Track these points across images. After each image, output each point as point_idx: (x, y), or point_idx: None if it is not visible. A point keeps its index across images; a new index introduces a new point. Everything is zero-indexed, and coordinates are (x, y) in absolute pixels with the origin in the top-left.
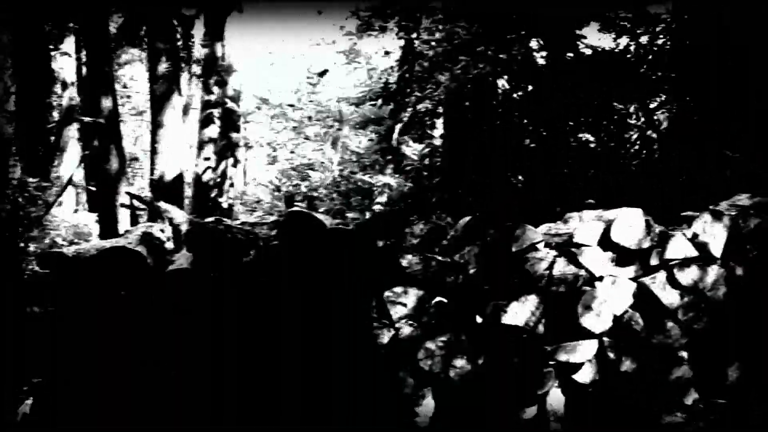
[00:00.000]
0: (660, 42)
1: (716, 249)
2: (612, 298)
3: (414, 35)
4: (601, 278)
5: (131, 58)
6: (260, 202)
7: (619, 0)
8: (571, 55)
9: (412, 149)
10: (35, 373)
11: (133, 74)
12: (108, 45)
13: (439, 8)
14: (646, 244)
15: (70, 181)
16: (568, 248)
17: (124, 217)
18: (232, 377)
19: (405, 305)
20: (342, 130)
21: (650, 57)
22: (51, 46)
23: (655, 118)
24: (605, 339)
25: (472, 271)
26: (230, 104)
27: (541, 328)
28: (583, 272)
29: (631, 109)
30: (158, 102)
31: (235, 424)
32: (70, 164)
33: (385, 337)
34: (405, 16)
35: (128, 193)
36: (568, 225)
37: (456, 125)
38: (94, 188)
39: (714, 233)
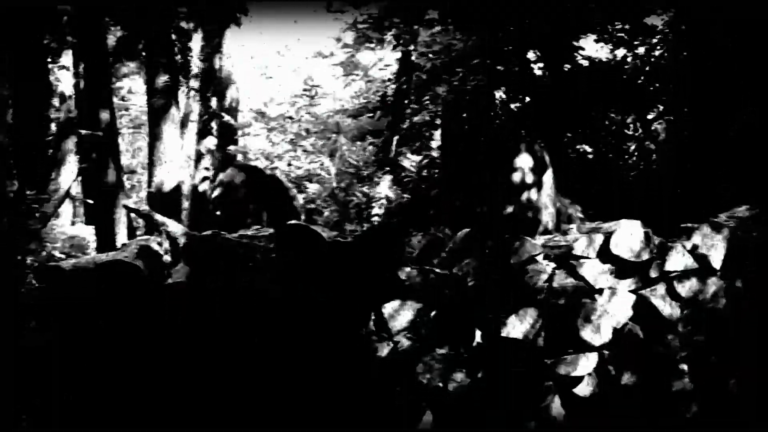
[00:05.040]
0: (657, 53)
1: (716, 261)
2: (612, 310)
3: (411, 47)
4: (600, 290)
5: (129, 71)
6: None
7: (615, 12)
8: (568, 66)
9: (410, 161)
10: (33, 390)
11: (131, 87)
12: (106, 58)
13: (437, 20)
14: (645, 256)
15: (67, 194)
16: (567, 260)
17: (121, 229)
18: (229, 389)
19: (404, 318)
20: (340, 142)
21: (647, 68)
22: (49, 60)
23: (653, 129)
24: (605, 352)
25: (470, 284)
26: (227, 117)
27: (540, 340)
28: (582, 284)
29: (629, 120)
30: (156, 115)
31: None
32: (67, 177)
33: (384, 350)
34: (402, 28)
35: (126, 206)
36: (567, 237)
37: (454, 137)
38: (91, 201)
39: (713, 245)
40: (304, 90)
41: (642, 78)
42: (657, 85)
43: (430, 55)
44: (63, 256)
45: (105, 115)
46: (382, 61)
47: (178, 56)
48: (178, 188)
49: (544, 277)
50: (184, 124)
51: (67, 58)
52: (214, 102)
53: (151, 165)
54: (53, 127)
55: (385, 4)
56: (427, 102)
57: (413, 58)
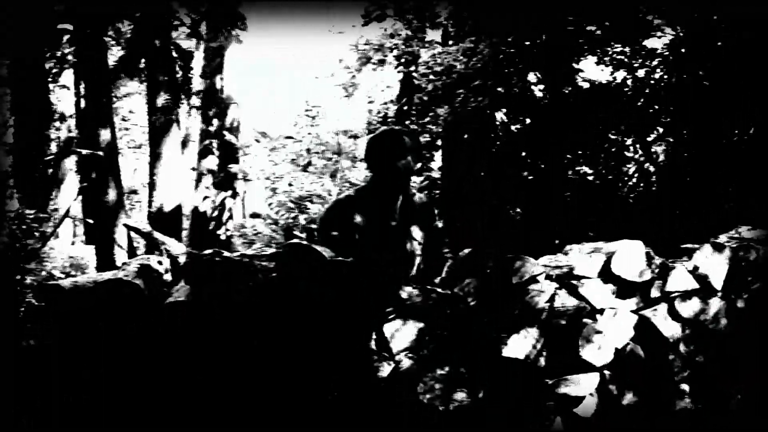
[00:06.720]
0: (657, 76)
1: (717, 281)
2: (613, 330)
3: (412, 68)
4: (602, 311)
5: (130, 91)
6: (259, 234)
7: (615, 34)
8: (568, 88)
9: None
10: (31, 409)
11: (132, 107)
12: (107, 78)
13: (438, 42)
14: (646, 276)
15: (67, 213)
16: (568, 280)
17: (122, 249)
18: (227, 412)
19: (405, 338)
20: (341, 162)
21: (647, 90)
22: (50, 79)
23: (653, 150)
24: (607, 372)
25: (472, 304)
26: (229, 136)
27: (542, 361)
28: (584, 305)
29: (629, 143)
30: (157, 134)
31: None
32: (68, 196)
33: (386, 370)
34: (403, 49)
35: (126, 225)
36: (568, 257)
37: (454, 158)
38: (91, 220)
39: (715, 265)
40: (306, 110)
41: (642, 100)
42: (656, 107)
43: (431, 77)
44: (63, 275)
45: (106, 135)
46: (384, 82)
47: (179, 75)
48: (178, 207)
49: (546, 297)
50: (185, 143)
51: (67, 78)
52: (215, 121)
53: (151, 184)
54: (54, 146)
55: (387, 25)
56: (428, 122)
57: (414, 78)
